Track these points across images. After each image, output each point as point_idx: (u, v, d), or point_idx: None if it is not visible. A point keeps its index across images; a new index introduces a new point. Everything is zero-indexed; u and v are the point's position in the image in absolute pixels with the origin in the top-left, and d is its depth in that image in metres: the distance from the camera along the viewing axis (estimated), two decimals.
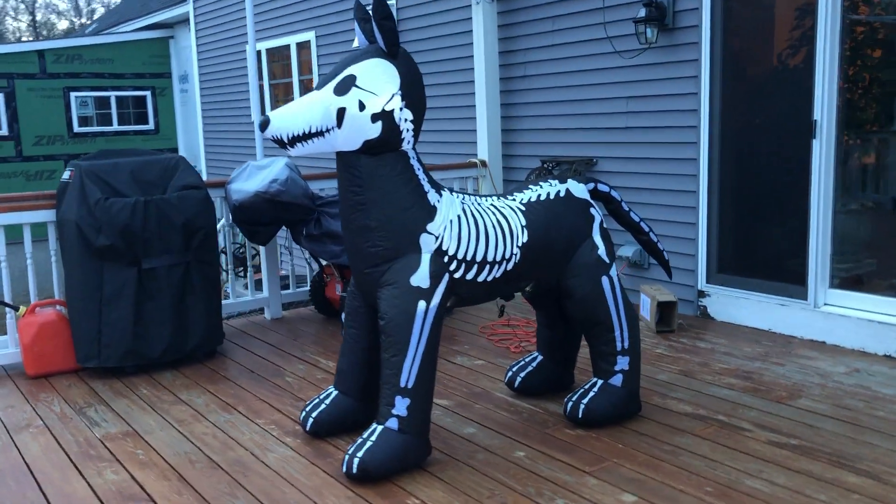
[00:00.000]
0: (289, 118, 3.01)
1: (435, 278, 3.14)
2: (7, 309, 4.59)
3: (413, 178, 3.17)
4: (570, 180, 3.59)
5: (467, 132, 6.98)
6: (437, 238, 3.18)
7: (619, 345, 3.54)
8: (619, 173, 5.73)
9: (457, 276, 3.23)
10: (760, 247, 4.98)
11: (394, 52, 3.09)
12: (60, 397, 4.14)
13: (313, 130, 3.01)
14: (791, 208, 4.80)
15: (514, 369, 3.94)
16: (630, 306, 3.56)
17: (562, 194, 3.51)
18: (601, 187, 3.68)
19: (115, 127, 14.14)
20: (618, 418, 3.54)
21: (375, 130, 3.05)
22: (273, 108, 10.25)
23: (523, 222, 3.38)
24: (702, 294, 5.28)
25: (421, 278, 3.11)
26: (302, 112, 3.01)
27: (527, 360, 3.96)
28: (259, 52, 10.36)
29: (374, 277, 3.18)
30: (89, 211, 4.30)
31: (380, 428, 3.11)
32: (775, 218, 4.88)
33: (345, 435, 3.50)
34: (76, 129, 13.63)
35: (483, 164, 6.49)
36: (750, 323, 5.04)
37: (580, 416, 3.49)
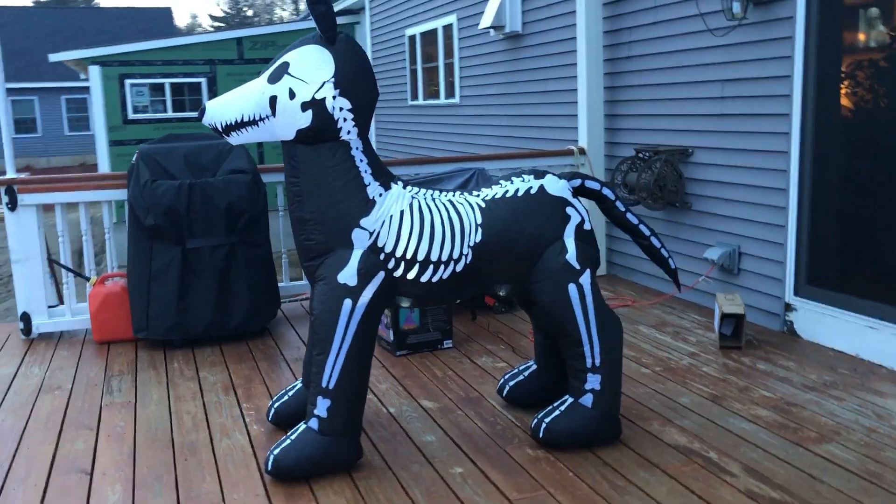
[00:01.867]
0: (223, 107, 2.98)
1: (364, 276, 2.98)
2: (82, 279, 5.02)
3: (351, 170, 3.01)
4: (548, 175, 3.24)
5: (566, 117, 6.59)
6: (371, 234, 3.01)
7: (588, 361, 3.16)
8: (712, 166, 5.12)
9: (397, 274, 3.04)
10: (860, 257, 4.22)
11: (329, 37, 2.95)
12: (103, 364, 4.46)
13: (246, 119, 2.96)
14: None
15: (506, 377, 3.67)
16: (608, 319, 3.16)
17: (533, 191, 3.18)
18: (590, 184, 3.29)
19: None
20: (585, 441, 3.17)
21: (306, 119, 2.94)
22: (424, 92, 10.33)
23: (479, 220, 3.11)
24: (789, 307, 4.59)
25: (348, 275, 2.97)
26: (236, 101, 2.97)
27: (520, 368, 3.67)
28: (413, 37, 10.47)
29: (310, 271, 3.08)
30: (140, 192, 4.57)
31: (302, 427, 3.02)
32: (882, 225, 4.08)
33: None
34: None
35: (581, 151, 6.09)
36: (836, 345, 4.30)
37: (541, 435, 3.17)
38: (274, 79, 2.95)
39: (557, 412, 3.21)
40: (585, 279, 3.13)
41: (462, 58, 9.03)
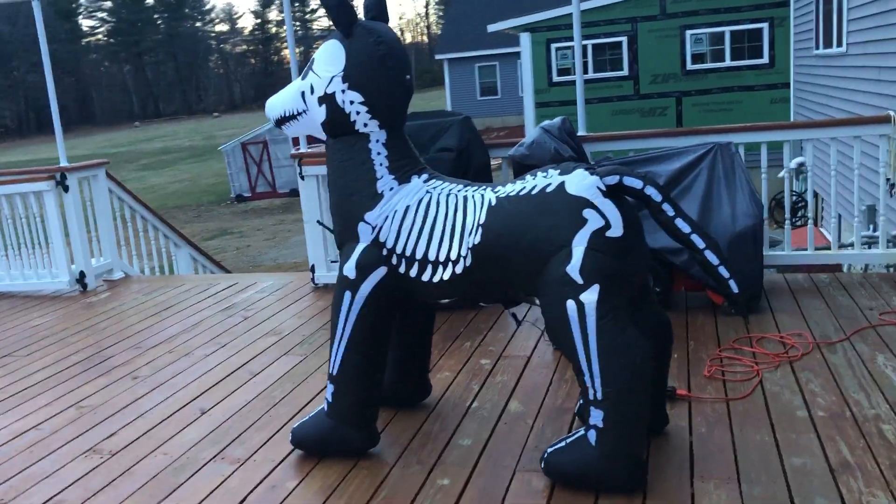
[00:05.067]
0: (275, 102, 3.23)
1: (362, 270, 2.98)
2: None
3: (365, 163, 3.02)
4: (577, 170, 2.78)
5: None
6: (374, 228, 2.98)
7: (590, 392, 2.68)
8: None
9: (401, 271, 2.97)
10: None
11: (346, 31, 2.96)
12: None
13: (287, 114, 3.16)
14: None
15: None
16: (616, 344, 2.62)
17: (550, 189, 2.77)
18: (629, 181, 2.72)
19: (728, 62, 13.86)
20: (587, 483, 2.72)
21: (322, 113, 3.03)
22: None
23: (482, 220, 2.84)
24: None
25: (349, 268, 3.01)
26: (282, 96, 3.19)
27: None
28: None
29: None
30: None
31: (322, 406, 3.18)
32: None
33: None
34: (689, 66, 13.89)
35: None
36: None
37: (542, 464, 2.81)
38: (304, 75, 3.09)
39: (563, 443, 2.80)
40: (589, 297, 2.64)
41: None
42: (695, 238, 2.70)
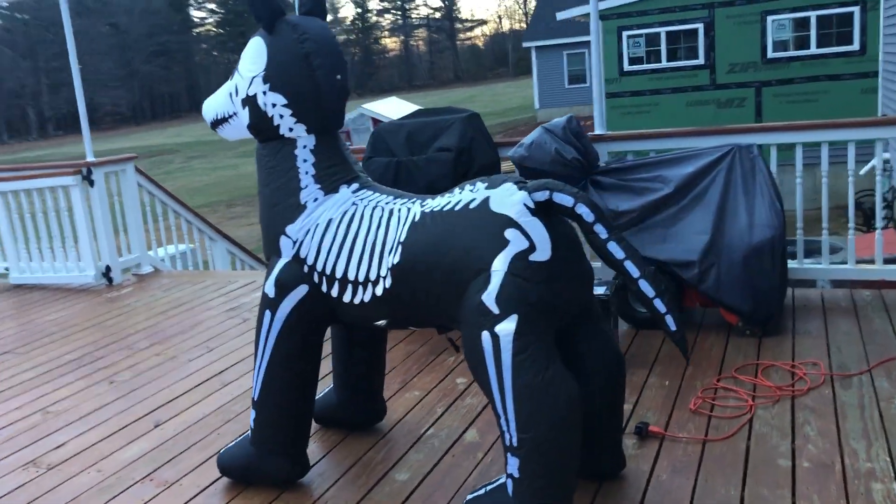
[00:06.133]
0: (208, 104, 3.02)
1: (281, 288, 2.74)
2: None
3: (290, 171, 2.78)
4: (504, 185, 2.45)
5: None
6: (294, 242, 2.74)
7: (506, 437, 2.36)
8: None
9: (324, 290, 2.72)
10: None
11: (268, 27, 2.72)
12: None
13: (219, 117, 2.95)
14: None
15: None
16: (534, 386, 2.29)
17: (474, 205, 2.46)
18: (560, 198, 2.37)
19: (813, 50, 12.85)
20: None
21: (246, 116, 2.81)
22: None
23: (402, 238, 2.55)
24: None
25: (269, 285, 2.78)
26: (215, 98, 2.99)
27: None
28: None
29: None
30: (362, 168, 4.79)
31: (248, 431, 2.98)
32: None
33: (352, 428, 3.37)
34: (770, 54, 12.97)
35: None
36: None
37: None
38: (232, 76, 2.87)
39: (483, 490, 2.50)
40: (505, 328, 2.31)
41: None
42: (628, 265, 2.34)
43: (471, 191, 2.51)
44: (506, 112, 35.47)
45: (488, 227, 2.39)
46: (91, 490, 3.04)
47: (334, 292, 2.70)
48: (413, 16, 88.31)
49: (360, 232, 2.65)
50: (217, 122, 2.96)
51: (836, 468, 2.73)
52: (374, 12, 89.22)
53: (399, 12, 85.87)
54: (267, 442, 2.86)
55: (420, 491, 2.83)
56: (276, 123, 2.76)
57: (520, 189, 2.42)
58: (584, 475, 2.73)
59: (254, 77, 2.74)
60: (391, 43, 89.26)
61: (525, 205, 2.39)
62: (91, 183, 6.32)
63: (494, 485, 2.48)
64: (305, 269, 2.73)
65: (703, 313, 4.40)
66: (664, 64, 13.32)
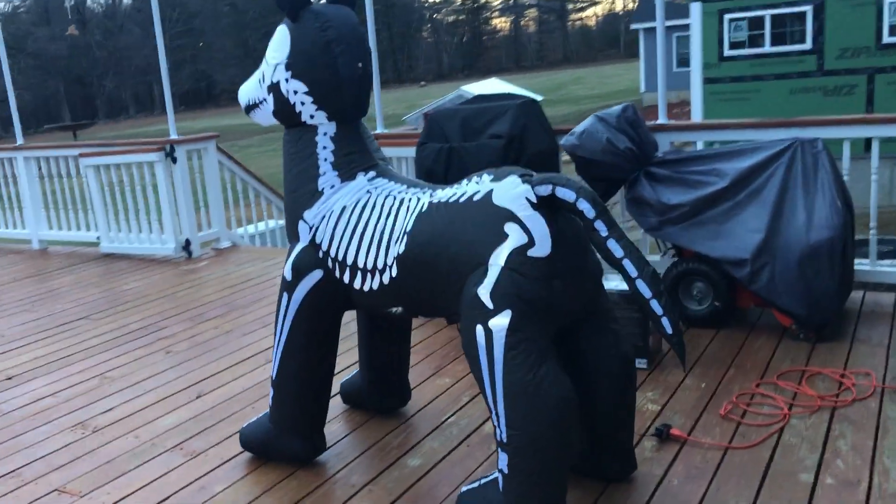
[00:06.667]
0: (243, 89, 3.09)
1: (297, 272, 2.80)
2: None
3: (310, 157, 2.82)
4: (509, 177, 2.41)
5: None
6: (311, 228, 2.79)
7: (497, 432, 2.34)
8: None
9: (337, 275, 2.76)
10: None
11: (292, 14, 2.76)
12: None
13: (251, 102, 3.02)
14: None
15: None
16: (527, 383, 2.26)
17: (478, 197, 2.44)
18: (563, 192, 2.31)
19: None
20: None
21: (271, 103, 2.86)
22: None
23: (408, 228, 2.56)
24: None
25: (287, 269, 2.85)
26: (249, 84, 3.05)
27: None
28: None
29: None
30: (416, 153, 4.82)
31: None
32: None
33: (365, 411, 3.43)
34: (885, 38, 12.07)
35: None
36: None
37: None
38: (262, 63, 2.93)
39: (477, 483, 2.50)
40: (499, 323, 2.29)
41: None
42: (627, 264, 2.26)
43: (477, 183, 2.49)
44: (610, 95, 34.69)
45: (489, 221, 2.37)
46: (124, 455, 3.20)
47: (346, 278, 2.74)
48: None
49: (370, 220, 2.68)
50: (249, 108, 3.03)
51: (862, 487, 2.58)
52: None
53: None
54: (283, 421, 2.94)
55: (427, 478, 2.85)
56: (298, 110, 2.81)
57: (524, 182, 2.39)
58: (590, 476, 2.69)
59: (277, 65, 2.79)
60: (501, 23, 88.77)
61: (527, 199, 2.35)
62: (174, 160, 6.60)
63: (487, 479, 2.48)
64: (320, 254, 2.78)
65: (759, 314, 4.22)
66: (767, 49, 12.69)
